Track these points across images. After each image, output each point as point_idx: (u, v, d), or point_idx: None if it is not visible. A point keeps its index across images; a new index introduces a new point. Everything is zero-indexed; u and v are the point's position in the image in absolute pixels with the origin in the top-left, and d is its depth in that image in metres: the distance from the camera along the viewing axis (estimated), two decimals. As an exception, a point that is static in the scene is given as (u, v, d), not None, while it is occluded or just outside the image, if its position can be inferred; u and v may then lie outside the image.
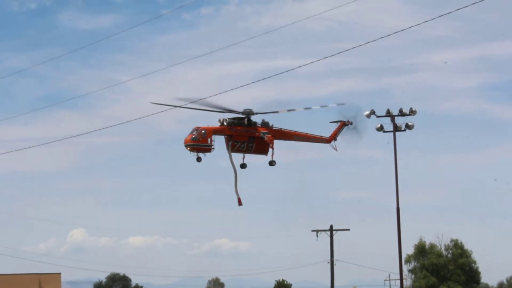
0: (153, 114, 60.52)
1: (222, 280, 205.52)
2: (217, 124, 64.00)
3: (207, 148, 62.83)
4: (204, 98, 59.12)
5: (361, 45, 47.29)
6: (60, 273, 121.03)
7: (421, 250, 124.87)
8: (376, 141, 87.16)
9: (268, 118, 65.01)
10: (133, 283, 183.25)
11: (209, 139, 62.80)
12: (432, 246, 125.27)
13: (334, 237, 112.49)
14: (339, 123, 68.41)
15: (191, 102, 60.18)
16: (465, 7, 42.68)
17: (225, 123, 63.84)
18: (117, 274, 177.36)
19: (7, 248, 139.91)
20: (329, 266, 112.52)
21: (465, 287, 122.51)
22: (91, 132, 67.66)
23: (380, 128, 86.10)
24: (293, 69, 52.27)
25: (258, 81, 55.50)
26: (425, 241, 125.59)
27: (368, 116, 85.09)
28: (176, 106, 60.58)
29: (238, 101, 64.94)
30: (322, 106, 64.96)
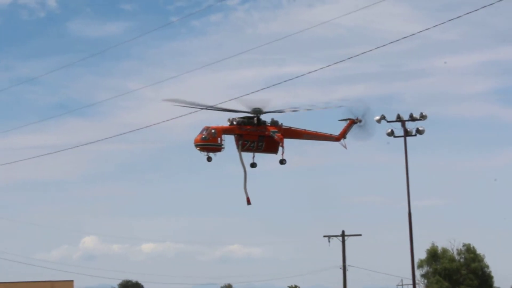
0: (163, 121, 60.43)
1: (234, 286, 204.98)
2: (226, 124, 64.31)
3: (217, 148, 63.00)
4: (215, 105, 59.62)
5: (371, 50, 47.30)
6: (72, 281, 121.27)
7: (434, 255, 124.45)
8: (387, 146, 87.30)
9: (276, 118, 65.28)
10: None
11: (219, 139, 62.97)
12: (445, 250, 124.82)
13: (346, 243, 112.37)
14: (347, 121, 68.61)
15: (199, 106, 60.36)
16: (475, 10, 42.83)
17: (234, 123, 64.04)
18: (130, 281, 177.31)
19: (20, 256, 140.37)
20: (341, 271, 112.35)
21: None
22: (102, 139, 67.62)
23: (391, 133, 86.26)
24: (303, 75, 52.24)
25: (268, 87, 55.76)
26: (437, 246, 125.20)
27: (379, 121, 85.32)
28: (188, 106, 60.69)
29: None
30: (326, 105, 65.11)
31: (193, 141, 63.37)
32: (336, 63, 49.52)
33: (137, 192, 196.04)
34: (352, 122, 68.51)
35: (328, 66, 49.96)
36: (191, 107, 60.42)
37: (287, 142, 65.84)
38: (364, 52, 47.59)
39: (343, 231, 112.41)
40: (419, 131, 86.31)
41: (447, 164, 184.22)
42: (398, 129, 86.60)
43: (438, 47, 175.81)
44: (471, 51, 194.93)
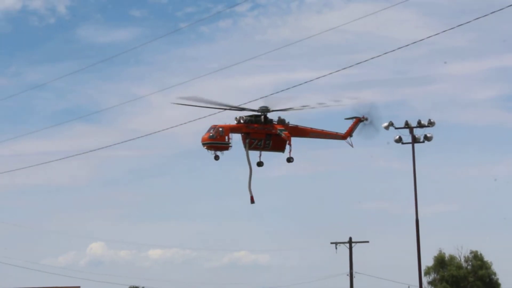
0: (172, 127, 60.40)
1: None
2: (233, 123, 64.48)
3: (225, 146, 62.93)
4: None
5: (379, 55, 47.24)
6: (79, 286, 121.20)
7: (441, 262, 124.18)
8: (395, 153, 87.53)
9: (283, 116, 65.54)
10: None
11: (226, 137, 62.88)
12: (452, 257, 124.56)
13: (353, 249, 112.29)
14: (354, 119, 68.83)
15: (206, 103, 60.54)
16: (484, 16, 42.64)
17: (241, 121, 64.09)
18: (137, 287, 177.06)
19: (27, 261, 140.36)
20: (348, 278, 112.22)
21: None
22: (110, 146, 67.53)
23: (399, 140, 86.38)
24: (311, 80, 52.13)
25: (277, 92, 55.92)
26: (444, 253, 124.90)
27: (387, 127, 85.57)
28: (194, 106, 60.91)
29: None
30: (336, 101, 65.28)
31: (200, 140, 63.34)
32: (345, 68, 49.37)
33: (145, 198, 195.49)
34: (358, 120, 68.63)
35: (337, 71, 49.83)
36: (198, 106, 60.62)
37: (294, 141, 65.98)
38: (372, 58, 47.57)
39: (350, 238, 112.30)
40: (427, 138, 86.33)
41: (455, 171, 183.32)
42: (406, 135, 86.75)
43: (447, 53, 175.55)
44: (480, 57, 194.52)
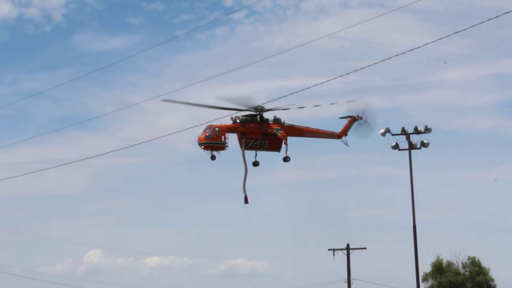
0: (169, 134, 60.42)
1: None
2: (229, 122, 64.63)
3: (221, 146, 62.98)
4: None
5: (376, 63, 47.07)
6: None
7: (438, 268, 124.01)
8: (391, 159, 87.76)
9: (278, 116, 65.69)
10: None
11: (222, 137, 62.96)
12: (449, 264, 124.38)
13: (351, 256, 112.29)
14: (349, 118, 69.04)
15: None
16: (481, 23, 42.40)
17: (237, 121, 64.25)
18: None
19: (25, 270, 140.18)
20: (346, 285, 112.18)
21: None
22: (107, 153, 67.10)
23: (396, 146, 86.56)
24: (308, 88, 52.07)
25: (274, 100, 56.08)
26: (442, 259, 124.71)
27: (383, 134, 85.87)
28: (187, 104, 61.15)
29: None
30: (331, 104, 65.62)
31: (196, 140, 63.37)
32: (342, 75, 49.06)
33: (142, 205, 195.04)
34: (353, 120, 68.89)
35: (334, 78, 49.62)
36: (193, 104, 60.86)
37: (290, 142, 66.09)
38: (369, 65, 47.47)
39: (348, 245, 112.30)
40: (424, 144, 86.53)
41: (452, 177, 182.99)
42: (403, 142, 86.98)
43: (443, 59, 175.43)
44: (477, 63, 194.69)
